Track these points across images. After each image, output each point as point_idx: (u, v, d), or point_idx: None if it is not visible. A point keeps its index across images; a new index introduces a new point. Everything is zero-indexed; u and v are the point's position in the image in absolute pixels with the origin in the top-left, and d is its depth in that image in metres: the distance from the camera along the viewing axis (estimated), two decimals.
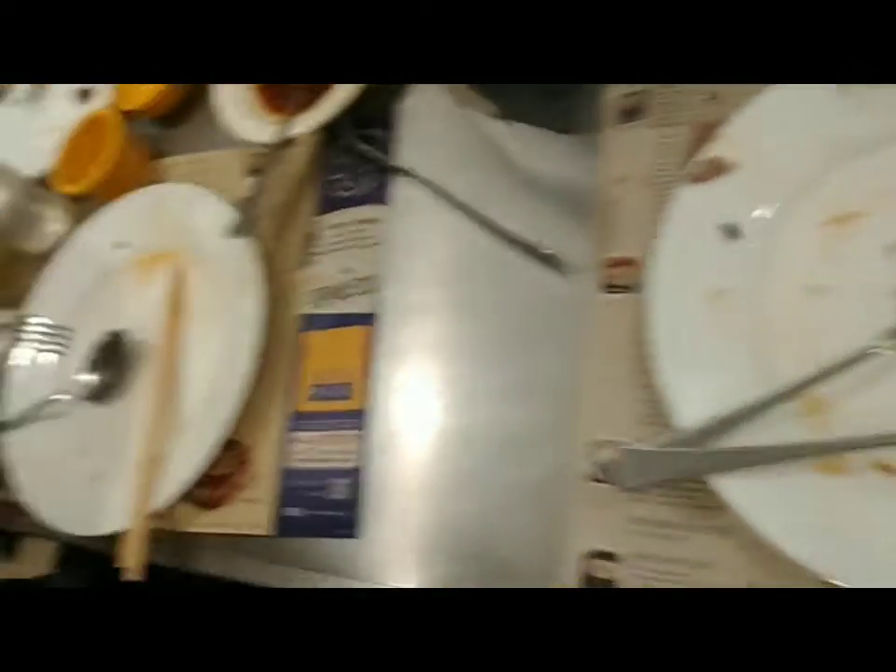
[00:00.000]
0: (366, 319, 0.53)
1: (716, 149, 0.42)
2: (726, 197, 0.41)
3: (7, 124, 0.84)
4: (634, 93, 0.48)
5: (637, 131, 0.47)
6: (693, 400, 0.38)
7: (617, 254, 0.45)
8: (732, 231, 0.41)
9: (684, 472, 0.37)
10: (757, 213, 0.41)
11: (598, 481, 0.41)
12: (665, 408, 0.39)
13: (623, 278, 0.44)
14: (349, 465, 0.50)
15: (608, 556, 0.40)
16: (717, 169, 0.42)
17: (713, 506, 0.37)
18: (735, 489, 0.36)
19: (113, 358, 0.61)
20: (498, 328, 0.49)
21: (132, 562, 0.51)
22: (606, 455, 0.41)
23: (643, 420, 0.41)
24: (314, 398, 0.53)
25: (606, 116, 0.49)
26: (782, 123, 0.41)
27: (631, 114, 0.48)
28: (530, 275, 0.48)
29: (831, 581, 0.32)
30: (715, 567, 0.37)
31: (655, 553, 0.39)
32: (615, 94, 0.49)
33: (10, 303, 0.71)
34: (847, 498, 0.34)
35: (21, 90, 0.84)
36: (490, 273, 0.51)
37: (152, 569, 0.52)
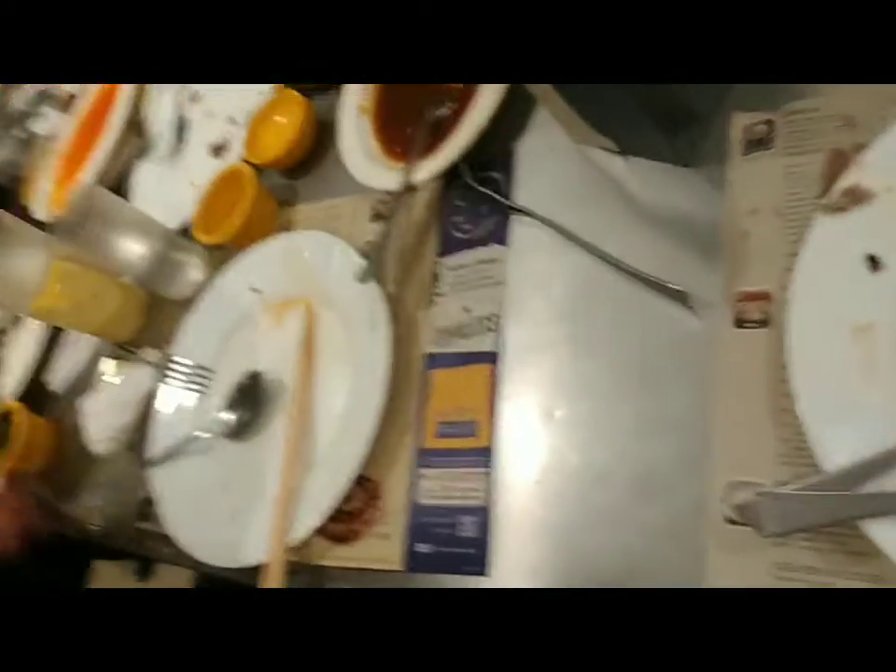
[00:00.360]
0: (489, 357, 0.54)
1: (855, 177, 0.41)
2: (868, 227, 0.40)
3: (150, 180, 0.92)
4: (760, 123, 0.47)
5: (765, 160, 0.46)
6: (839, 440, 0.37)
7: (749, 287, 0.44)
8: (875, 262, 0.39)
9: (832, 517, 0.35)
10: None
11: (737, 523, 0.40)
12: (808, 448, 0.37)
13: (757, 312, 0.43)
14: (477, 502, 0.50)
15: None
16: (857, 198, 0.40)
17: (863, 552, 0.35)
18: (888, 535, 0.34)
19: (251, 398, 0.65)
20: (622, 364, 0.49)
21: None
22: (743, 496, 0.39)
23: (782, 461, 0.40)
24: (440, 435, 0.54)
25: (731, 147, 0.48)
26: None
27: (758, 144, 0.47)
28: (655, 311, 0.48)
29: None
30: None
31: None
32: (740, 125, 0.48)
33: (158, 346, 0.77)
34: None
35: (162, 147, 0.91)
36: (613, 309, 0.50)
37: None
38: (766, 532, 0.37)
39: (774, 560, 0.38)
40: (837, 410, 0.37)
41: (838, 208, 0.40)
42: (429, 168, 0.60)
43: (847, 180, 0.41)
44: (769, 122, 0.47)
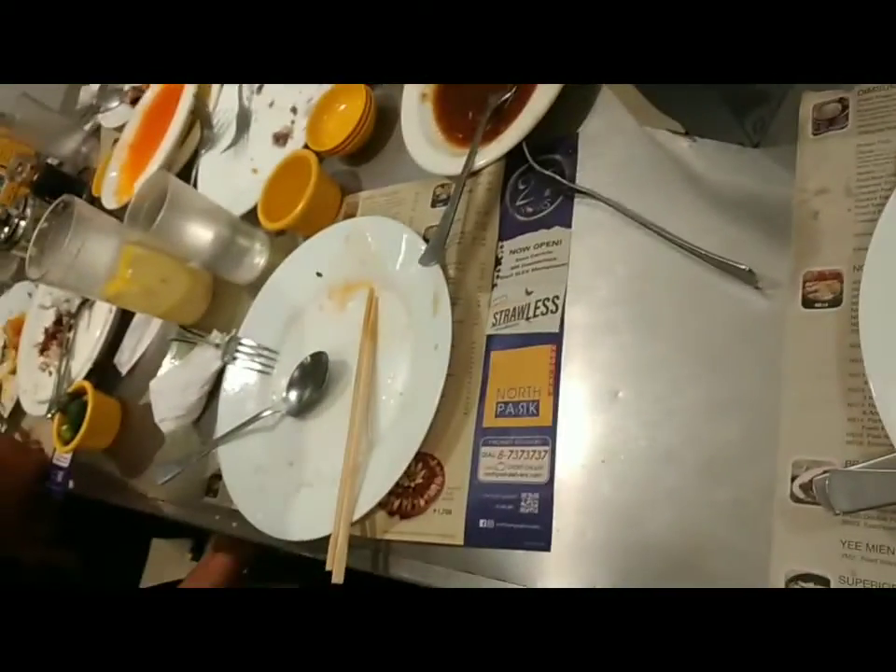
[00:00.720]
0: (551, 339, 0.54)
1: None
2: None
3: (215, 169, 0.95)
4: (832, 101, 0.46)
5: (837, 139, 0.45)
6: None
7: (819, 267, 0.44)
8: None
9: None
10: None
11: (804, 502, 0.40)
12: (878, 428, 0.37)
13: (827, 292, 0.43)
14: (539, 479, 0.51)
15: (816, 579, 0.38)
16: None
17: None
18: None
19: (314, 377, 0.67)
20: (687, 345, 0.49)
21: (335, 566, 0.55)
22: (813, 475, 0.39)
23: (851, 440, 0.39)
24: (501, 414, 0.55)
25: (801, 126, 0.47)
26: None
27: (830, 123, 0.46)
28: (721, 292, 0.48)
29: None
30: None
31: (868, 578, 0.37)
32: (811, 104, 0.47)
33: (222, 329, 0.80)
34: None
35: (227, 138, 0.94)
36: (677, 290, 0.50)
37: (351, 574, 0.56)
38: (838, 509, 0.37)
39: (842, 538, 0.38)
40: None
41: None
42: (491, 152, 0.61)
43: None
44: (842, 101, 0.46)
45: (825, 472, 0.38)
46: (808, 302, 0.43)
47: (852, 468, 0.36)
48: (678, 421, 0.47)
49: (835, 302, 0.42)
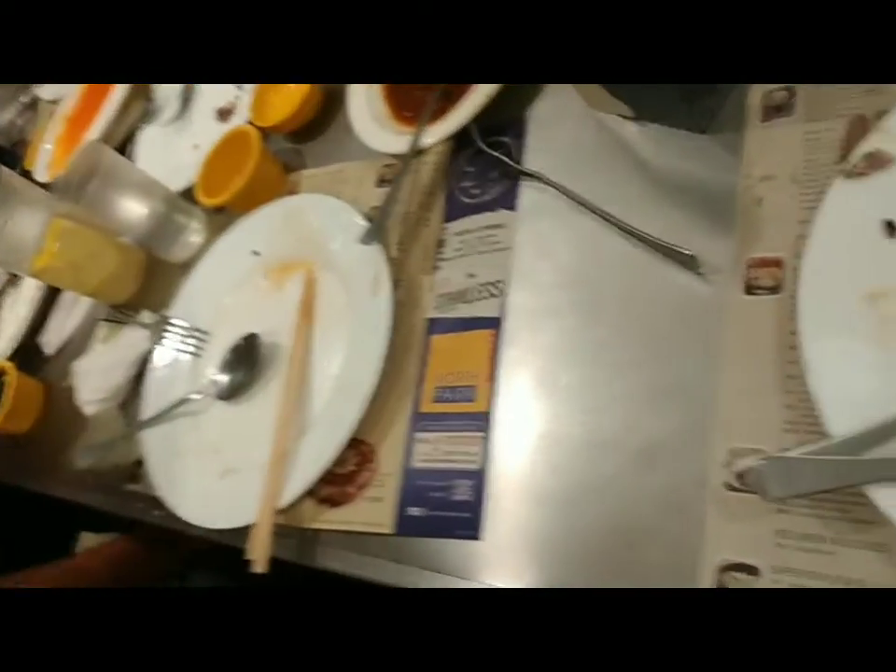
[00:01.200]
0: (491, 323, 0.53)
1: (875, 143, 0.40)
2: (887, 192, 0.39)
3: (154, 143, 0.91)
4: (780, 89, 0.46)
5: (783, 127, 0.45)
6: (849, 407, 0.36)
7: (761, 254, 0.43)
8: (893, 228, 0.38)
9: (837, 482, 0.34)
10: None
11: (739, 490, 0.39)
12: (815, 416, 0.36)
13: (769, 279, 0.42)
14: (472, 466, 0.49)
15: (747, 569, 0.37)
16: (877, 163, 0.39)
17: (868, 520, 0.34)
18: (893, 501, 0.33)
19: (246, 360, 0.64)
20: (629, 331, 0.48)
21: (258, 555, 0.53)
22: (748, 463, 0.38)
23: (787, 428, 0.39)
24: (438, 399, 0.53)
25: (749, 113, 0.47)
26: None
27: (777, 111, 0.46)
28: (664, 277, 0.47)
29: None
30: (867, 586, 0.34)
31: (799, 568, 0.36)
32: (759, 92, 0.47)
33: (153, 309, 0.76)
34: None
35: (168, 111, 0.90)
36: (621, 275, 0.49)
37: (277, 564, 0.53)
38: (771, 496, 0.36)
39: (775, 527, 0.37)
40: (846, 376, 0.36)
41: (857, 173, 0.40)
42: (439, 132, 0.59)
43: (868, 145, 0.40)
44: (790, 89, 0.46)
45: (761, 459, 0.37)
46: (750, 289, 0.43)
47: (786, 454, 0.35)
48: (618, 407, 0.46)
49: (776, 289, 0.42)
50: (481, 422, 0.50)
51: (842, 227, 0.39)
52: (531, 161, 0.57)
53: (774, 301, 0.41)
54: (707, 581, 0.38)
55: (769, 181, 0.44)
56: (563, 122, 0.56)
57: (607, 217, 0.50)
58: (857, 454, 0.35)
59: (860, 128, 0.41)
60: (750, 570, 0.37)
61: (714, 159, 0.48)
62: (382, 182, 0.64)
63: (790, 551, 0.37)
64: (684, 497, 0.41)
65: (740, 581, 0.37)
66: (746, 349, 0.41)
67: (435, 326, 0.56)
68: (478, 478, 0.49)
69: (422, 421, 0.53)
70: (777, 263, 0.42)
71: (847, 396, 0.36)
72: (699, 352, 0.44)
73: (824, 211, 0.40)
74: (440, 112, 0.60)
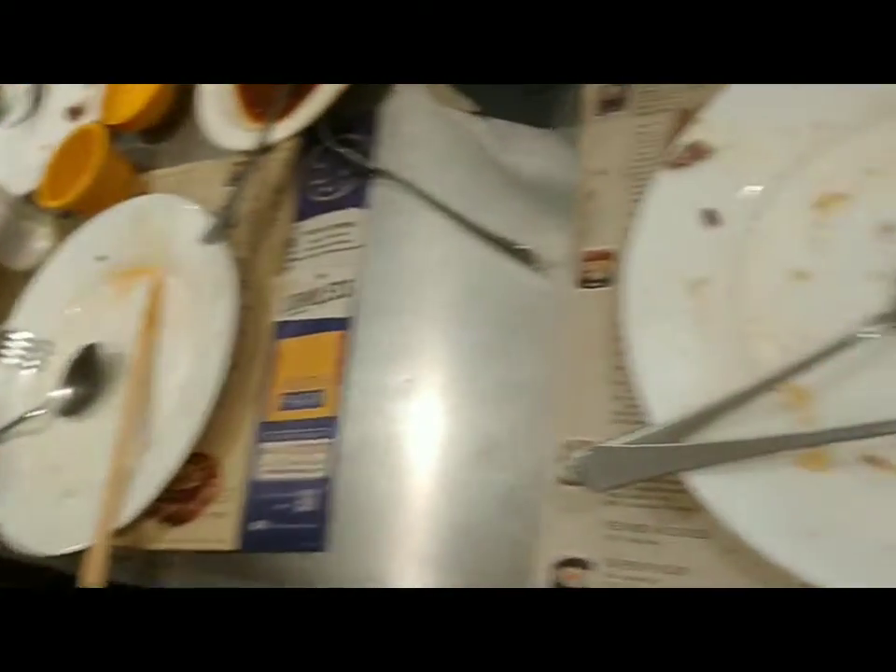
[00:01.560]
0: (340, 324, 0.51)
1: (695, 134, 0.40)
2: (706, 182, 0.39)
3: (1, 145, 0.85)
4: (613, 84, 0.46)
5: (616, 121, 0.45)
6: (670, 395, 0.36)
7: (594, 247, 0.43)
8: (712, 217, 0.39)
9: (657, 470, 0.34)
10: (738, 198, 0.39)
11: (570, 484, 0.38)
12: (640, 404, 0.36)
13: (601, 272, 0.42)
14: (318, 475, 0.47)
15: (579, 563, 0.36)
16: (696, 154, 0.40)
17: (691, 507, 0.34)
18: (711, 488, 0.33)
19: (88, 372, 0.60)
20: (477, 329, 0.47)
21: (93, 580, 0.49)
22: (577, 456, 0.38)
23: (616, 419, 0.39)
24: (285, 407, 0.51)
25: (585, 108, 0.47)
26: (763, 105, 0.39)
27: (611, 105, 0.46)
28: (507, 273, 0.46)
29: (814, 584, 0.29)
30: (691, 573, 0.34)
31: (628, 559, 0.35)
32: (594, 86, 0.47)
33: None
34: (833, 494, 0.31)
35: (17, 111, 0.84)
36: (469, 273, 0.49)
37: (117, 589, 0.50)
38: (595, 487, 0.35)
39: (605, 519, 0.37)
40: (668, 365, 0.37)
41: (679, 164, 0.40)
42: (287, 128, 0.57)
43: (689, 136, 0.40)
44: (622, 85, 0.46)
45: (585, 452, 0.36)
46: (583, 282, 0.43)
47: (606, 444, 0.35)
48: (461, 407, 0.45)
49: (607, 282, 0.42)
50: (327, 427, 0.48)
51: (664, 217, 0.39)
52: (383, 157, 0.55)
53: (605, 294, 0.41)
54: (542, 578, 0.37)
55: (602, 175, 0.44)
56: (413, 119, 0.55)
57: (451, 214, 0.49)
58: (677, 441, 0.34)
59: (684, 120, 0.42)
60: (584, 565, 0.37)
61: (558, 153, 0.48)
62: (232, 181, 0.62)
63: (621, 542, 0.36)
64: (524, 495, 0.41)
65: (575, 576, 0.37)
66: (579, 342, 0.41)
67: (283, 329, 0.53)
68: (323, 487, 0.46)
69: (268, 430, 0.50)
70: (607, 256, 0.42)
71: (668, 384, 0.36)
72: (541, 348, 0.44)
73: (648, 202, 0.40)
74: (289, 108, 0.58)
